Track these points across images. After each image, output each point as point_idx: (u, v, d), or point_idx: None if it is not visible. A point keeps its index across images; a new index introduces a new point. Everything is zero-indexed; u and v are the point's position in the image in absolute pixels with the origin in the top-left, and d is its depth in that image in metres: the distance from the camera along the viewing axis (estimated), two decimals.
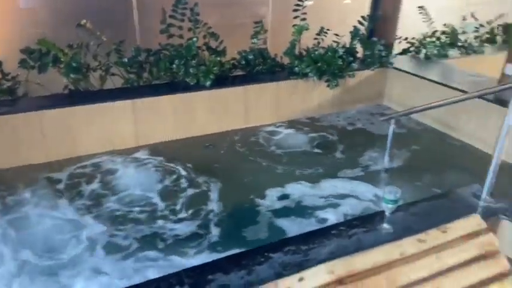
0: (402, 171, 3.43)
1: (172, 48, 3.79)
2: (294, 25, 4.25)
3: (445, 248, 1.41)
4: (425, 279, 1.33)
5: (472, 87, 3.78)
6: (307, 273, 1.22)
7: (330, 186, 3.18)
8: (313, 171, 3.35)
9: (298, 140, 3.87)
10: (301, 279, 1.20)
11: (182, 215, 2.85)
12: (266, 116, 4.10)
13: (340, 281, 1.22)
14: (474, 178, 2.72)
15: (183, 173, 3.31)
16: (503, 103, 3.42)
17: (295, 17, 4.41)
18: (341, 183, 3.21)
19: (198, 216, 2.84)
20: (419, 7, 5.22)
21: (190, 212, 2.89)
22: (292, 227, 2.77)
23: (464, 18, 5.43)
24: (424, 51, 4.89)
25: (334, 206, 2.97)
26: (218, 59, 3.80)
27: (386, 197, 2.26)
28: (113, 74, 3.78)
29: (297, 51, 4.36)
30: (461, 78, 4.22)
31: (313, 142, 3.86)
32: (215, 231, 2.70)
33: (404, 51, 5.16)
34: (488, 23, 5.78)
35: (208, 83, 3.67)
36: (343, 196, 3.06)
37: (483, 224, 1.50)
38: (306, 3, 4.35)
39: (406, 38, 5.19)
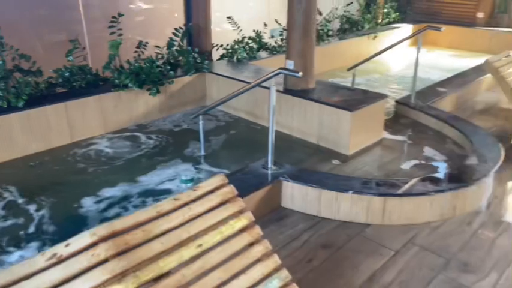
0: (217, 154, 4.06)
1: None
2: (109, 41, 4.50)
3: (195, 201, 1.89)
4: (178, 226, 1.78)
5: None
6: (72, 239, 1.55)
7: (157, 176, 3.61)
8: (142, 170, 3.70)
9: (126, 147, 4.16)
10: (67, 245, 1.53)
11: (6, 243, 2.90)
12: (93, 128, 4.29)
13: (102, 239, 1.59)
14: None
15: (3, 195, 3.32)
16: (290, 92, 4.27)
17: (112, 33, 4.68)
18: (167, 171, 3.69)
19: (26, 238, 2.93)
20: (227, 17, 5.98)
21: (14, 236, 2.95)
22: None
23: (265, 25, 6.36)
24: (236, 55, 5.65)
25: (172, 180, 3.49)
26: (30, 79, 3.85)
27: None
28: None
29: (118, 65, 4.63)
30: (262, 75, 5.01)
31: (141, 146, 4.19)
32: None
33: (222, 57, 5.86)
34: None
35: (21, 104, 3.70)
36: (173, 176, 3.58)
37: (225, 180, 2.02)
38: (137, 19, 4.67)
39: (221, 45, 5.90)
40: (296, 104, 4.20)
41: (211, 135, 4.41)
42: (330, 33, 7.16)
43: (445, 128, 4.33)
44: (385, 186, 3.07)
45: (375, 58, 7.69)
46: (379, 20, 8.68)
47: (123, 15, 4.76)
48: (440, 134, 4.39)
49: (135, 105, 4.59)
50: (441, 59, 8.14)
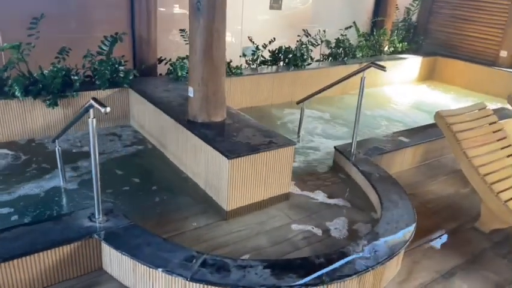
0: (84, 186, 3.46)
1: None
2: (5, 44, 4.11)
3: None
4: None
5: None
6: None
7: None
8: None
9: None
10: None
11: None
12: None
13: None
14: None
15: None
16: (188, 124, 3.62)
17: (30, 35, 4.30)
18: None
19: None
20: (180, 30, 5.43)
21: None
22: None
23: None
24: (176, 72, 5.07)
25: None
26: None
27: None
28: None
29: (27, 71, 4.23)
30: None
31: (11, 164, 3.72)
32: None
33: (169, 72, 5.31)
34: (264, 46, 6.21)
35: None
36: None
37: None
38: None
39: (169, 60, 5.37)
40: (189, 139, 3.54)
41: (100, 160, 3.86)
42: (307, 57, 6.36)
43: (370, 190, 3.47)
44: (211, 268, 2.33)
45: (373, 92, 6.90)
46: (385, 48, 7.75)
47: (44, 16, 4.38)
48: (363, 197, 3.53)
49: (31, 117, 4.14)
50: (443, 100, 7.06)
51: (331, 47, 6.92)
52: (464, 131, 3.46)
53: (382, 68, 3.66)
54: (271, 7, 6.53)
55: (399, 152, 4.24)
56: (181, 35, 5.43)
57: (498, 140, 3.64)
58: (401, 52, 7.92)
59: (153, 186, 3.55)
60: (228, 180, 3.05)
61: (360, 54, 7.13)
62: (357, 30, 7.27)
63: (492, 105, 6.78)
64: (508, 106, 5.58)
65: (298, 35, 6.63)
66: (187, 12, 3.50)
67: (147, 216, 3.10)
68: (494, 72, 7.51)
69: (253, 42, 6.21)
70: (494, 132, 3.69)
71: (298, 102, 4.80)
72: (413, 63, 7.81)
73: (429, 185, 4.09)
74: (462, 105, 6.53)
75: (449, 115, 3.51)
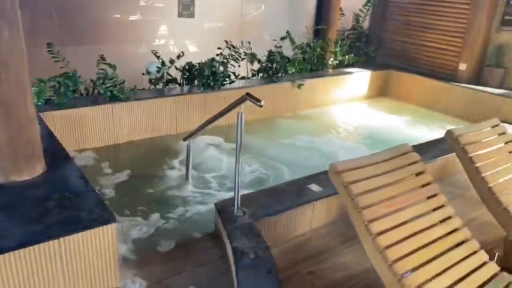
0: None
1: None
2: None
3: None
4: None
5: None
6: None
7: None
8: None
9: None
10: None
11: None
12: None
13: None
14: None
15: None
16: None
17: None
18: None
19: None
20: (47, 44, 4.30)
21: None
22: None
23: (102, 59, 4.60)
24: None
25: None
26: None
27: None
28: None
29: None
30: None
31: None
32: None
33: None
34: (171, 61, 5.13)
35: None
36: None
37: None
38: None
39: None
40: None
41: None
42: (224, 74, 5.28)
43: (234, 284, 2.36)
44: None
45: (310, 113, 5.92)
46: (330, 61, 6.72)
47: None
48: None
49: None
50: (393, 123, 6.05)
51: (259, 61, 5.85)
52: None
53: (258, 102, 2.58)
54: (180, 14, 5.44)
55: (306, 206, 3.16)
56: (49, 50, 4.30)
57: (434, 210, 2.58)
58: (348, 65, 6.91)
59: None
60: None
61: (293, 70, 6.06)
62: (291, 41, 6.21)
63: (451, 126, 5.83)
64: None
65: (219, 48, 5.54)
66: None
67: None
68: (452, 89, 6.52)
69: (158, 57, 5.14)
70: (422, 186, 2.64)
71: (184, 139, 3.70)
72: (360, 79, 6.79)
73: (343, 253, 3.02)
74: (414, 132, 5.62)
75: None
